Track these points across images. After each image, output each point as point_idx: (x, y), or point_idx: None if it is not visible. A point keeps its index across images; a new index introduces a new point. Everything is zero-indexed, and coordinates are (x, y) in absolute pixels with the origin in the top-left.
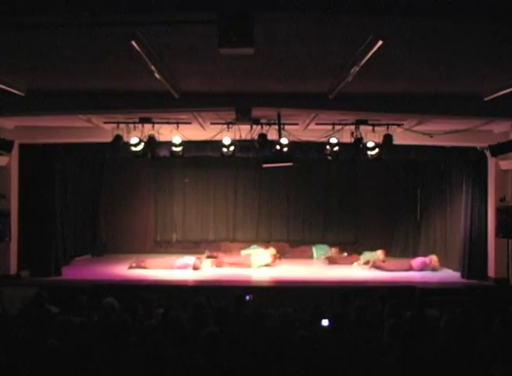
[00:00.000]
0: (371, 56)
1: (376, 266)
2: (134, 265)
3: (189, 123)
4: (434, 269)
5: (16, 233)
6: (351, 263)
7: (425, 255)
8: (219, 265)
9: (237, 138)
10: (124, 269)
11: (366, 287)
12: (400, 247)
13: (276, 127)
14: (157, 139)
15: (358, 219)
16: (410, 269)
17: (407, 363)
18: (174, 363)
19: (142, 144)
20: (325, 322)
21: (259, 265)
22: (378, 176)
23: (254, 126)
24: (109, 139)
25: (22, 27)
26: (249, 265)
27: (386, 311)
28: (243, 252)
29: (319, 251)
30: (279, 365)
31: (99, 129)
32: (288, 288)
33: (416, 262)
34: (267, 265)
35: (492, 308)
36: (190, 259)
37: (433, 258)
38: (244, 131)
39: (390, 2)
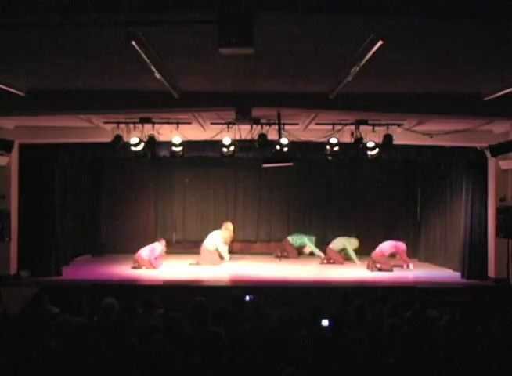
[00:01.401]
0: (371, 56)
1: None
2: (136, 265)
3: (189, 123)
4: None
5: (16, 233)
6: (342, 263)
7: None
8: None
9: (237, 138)
10: (124, 269)
11: (366, 287)
12: None
13: (276, 127)
14: (157, 139)
15: (358, 219)
16: (382, 253)
17: (407, 363)
18: (174, 363)
19: (142, 144)
20: (325, 322)
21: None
22: (378, 176)
23: (254, 126)
24: (109, 139)
25: (22, 27)
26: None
27: (386, 311)
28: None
29: (297, 240)
30: (279, 365)
31: (99, 129)
32: (288, 288)
33: (386, 244)
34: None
35: (492, 308)
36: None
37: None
38: (244, 132)
39: (390, 2)
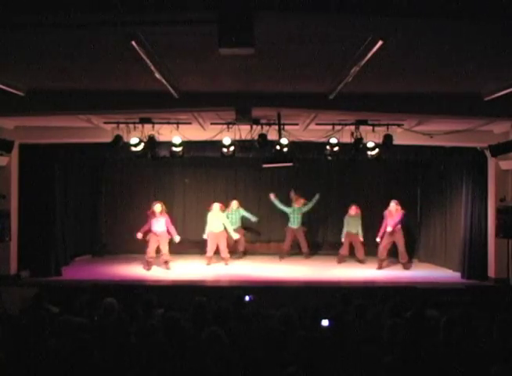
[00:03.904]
0: (371, 56)
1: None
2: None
3: (189, 123)
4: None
5: (16, 233)
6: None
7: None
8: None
9: (237, 138)
10: (124, 269)
11: (366, 287)
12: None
13: (276, 127)
14: (157, 139)
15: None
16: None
17: (407, 363)
18: (174, 363)
19: (142, 144)
20: (325, 322)
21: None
22: (378, 176)
23: (254, 126)
24: (109, 139)
25: (22, 27)
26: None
27: (386, 311)
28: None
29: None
30: (279, 365)
31: (99, 129)
32: (288, 288)
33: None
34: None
35: (492, 308)
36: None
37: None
38: (244, 132)
39: (390, 2)
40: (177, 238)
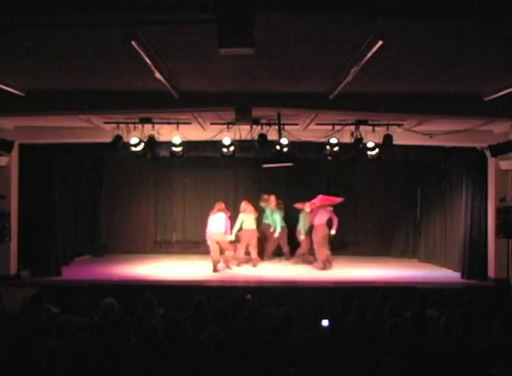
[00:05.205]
0: (371, 56)
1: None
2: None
3: (189, 123)
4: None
5: (16, 233)
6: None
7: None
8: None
9: (237, 138)
10: (124, 269)
11: (366, 287)
12: (400, 248)
13: (276, 127)
14: (157, 139)
15: (358, 219)
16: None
17: (407, 363)
18: (174, 363)
19: (142, 144)
20: (325, 322)
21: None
22: (378, 176)
23: (254, 126)
24: (109, 139)
25: (22, 27)
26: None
27: (386, 311)
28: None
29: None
30: (279, 365)
31: (99, 129)
32: (288, 288)
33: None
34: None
35: (492, 308)
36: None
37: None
38: (244, 132)
39: (390, 2)
40: (229, 237)
